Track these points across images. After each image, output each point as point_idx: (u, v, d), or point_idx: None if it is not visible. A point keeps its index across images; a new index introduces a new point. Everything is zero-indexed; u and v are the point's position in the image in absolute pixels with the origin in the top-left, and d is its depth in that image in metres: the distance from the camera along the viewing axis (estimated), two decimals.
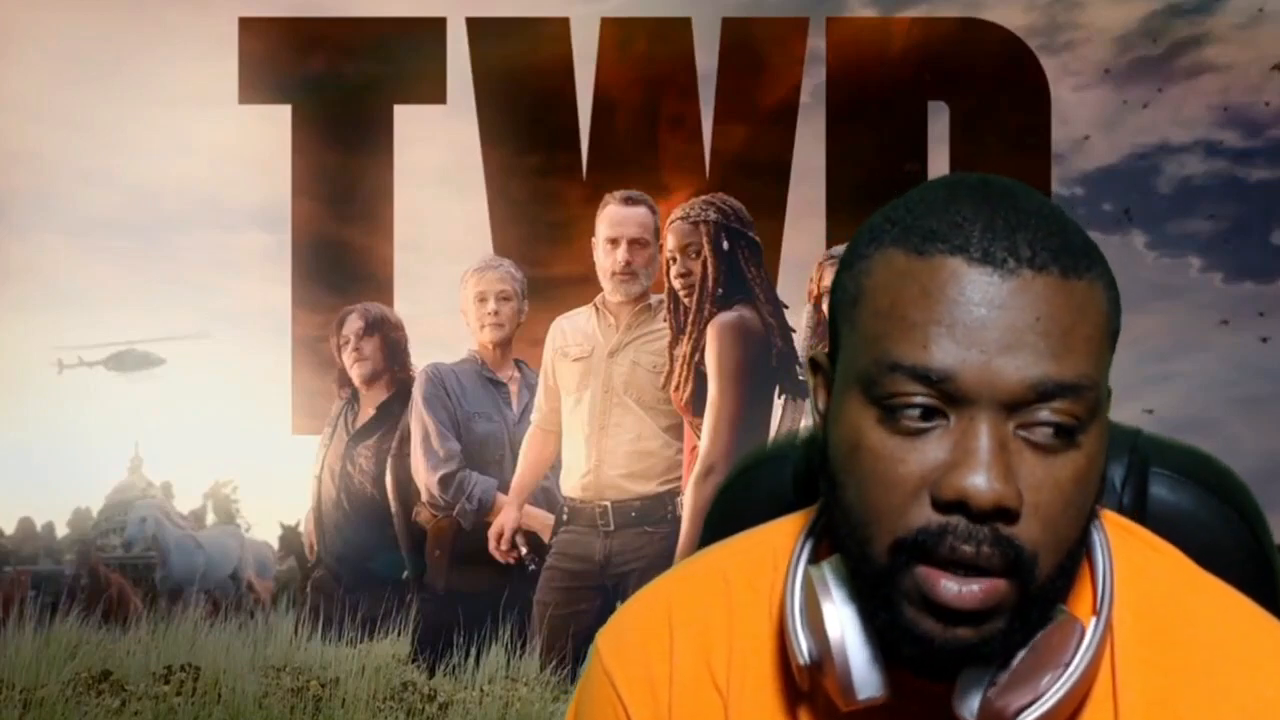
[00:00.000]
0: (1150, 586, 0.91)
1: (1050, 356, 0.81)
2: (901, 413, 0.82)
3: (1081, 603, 0.90)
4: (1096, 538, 0.90)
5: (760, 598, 0.96)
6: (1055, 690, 0.84)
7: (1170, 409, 5.36)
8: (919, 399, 0.82)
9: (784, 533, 0.98)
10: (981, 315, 0.81)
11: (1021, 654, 0.83)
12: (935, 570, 0.82)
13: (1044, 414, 0.81)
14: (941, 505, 0.81)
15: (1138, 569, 0.92)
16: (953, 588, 0.81)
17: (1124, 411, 0.96)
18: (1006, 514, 0.81)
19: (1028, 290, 0.81)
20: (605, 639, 1.00)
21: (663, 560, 3.91)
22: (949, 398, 0.81)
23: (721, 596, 0.97)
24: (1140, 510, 1.02)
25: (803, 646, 0.89)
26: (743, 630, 0.95)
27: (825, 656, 0.87)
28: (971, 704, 0.85)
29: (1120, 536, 0.93)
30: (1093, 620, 0.87)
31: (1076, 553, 0.85)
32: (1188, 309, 5.66)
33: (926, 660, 0.84)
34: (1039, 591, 0.83)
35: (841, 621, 0.87)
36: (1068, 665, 0.85)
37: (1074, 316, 0.82)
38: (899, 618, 0.84)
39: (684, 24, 5.54)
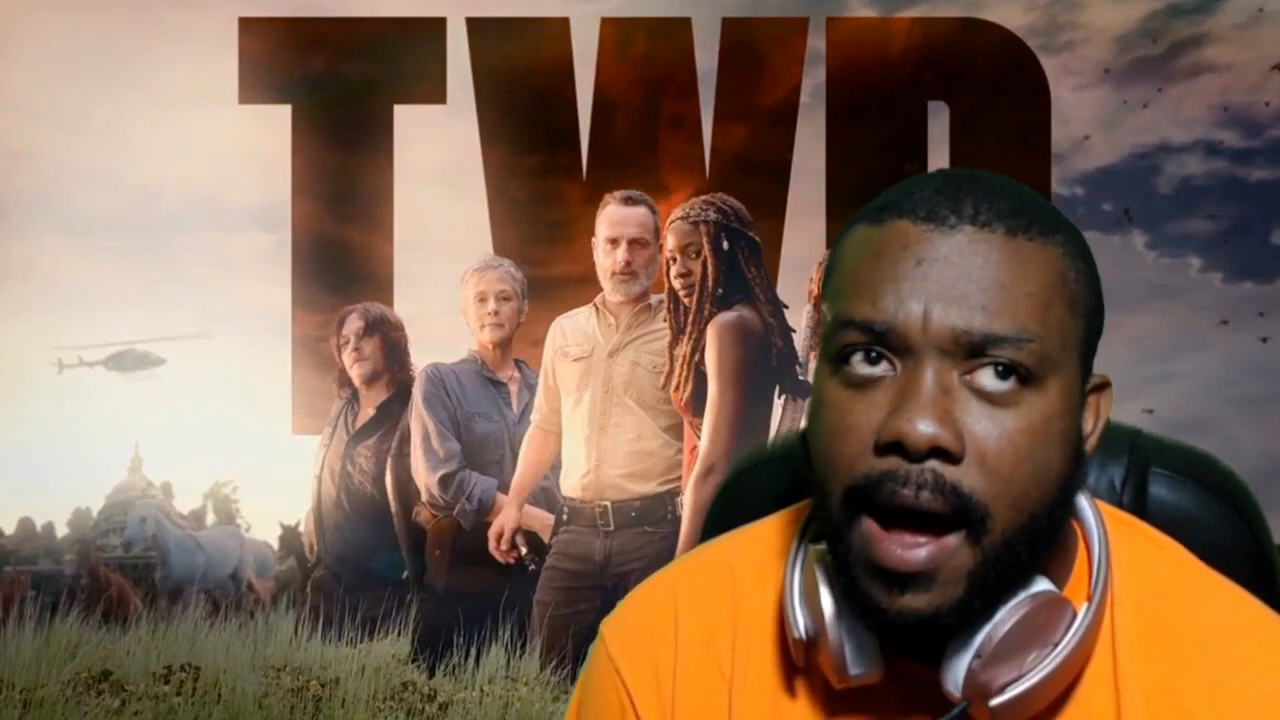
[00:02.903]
0: (1153, 580, 0.92)
1: (983, 308, 0.83)
2: (850, 359, 0.84)
3: (1079, 590, 0.90)
4: (1093, 524, 0.91)
5: (767, 585, 0.96)
6: (1041, 668, 0.85)
7: (1170, 409, 5.36)
8: (865, 346, 0.84)
9: (790, 521, 0.99)
10: (923, 269, 0.83)
11: (1006, 628, 0.84)
12: (880, 530, 0.83)
13: (988, 364, 0.83)
14: (880, 448, 0.83)
15: (1140, 563, 0.92)
16: (896, 550, 0.82)
17: (1124, 411, 0.96)
18: (944, 454, 0.82)
19: (967, 245, 0.84)
20: (610, 627, 1.01)
21: (663, 560, 3.88)
22: (893, 348, 0.83)
23: (726, 585, 0.98)
24: (1140, 510, 1.02)
25: (799, 622, 0.90)
26: (746, 616, 0.96)
27: (820, 633, 0.89)
28: (956, 675, 0.85)
29: (1122, 530, 0.94)
30: (1085, 605, 0.87)
31: (1044, 518, 0.85)
32: (1188, 309, 5.66)
33: (882, 631, 0.86)
34: (996, 552, 0.83)
35: (837, 599, 0.88)
36: (1056, 645, 0.86)
37: (1015, 272, 0.83)
38: (854, 586, 0.85)
39: (684, 24, 5.54)
